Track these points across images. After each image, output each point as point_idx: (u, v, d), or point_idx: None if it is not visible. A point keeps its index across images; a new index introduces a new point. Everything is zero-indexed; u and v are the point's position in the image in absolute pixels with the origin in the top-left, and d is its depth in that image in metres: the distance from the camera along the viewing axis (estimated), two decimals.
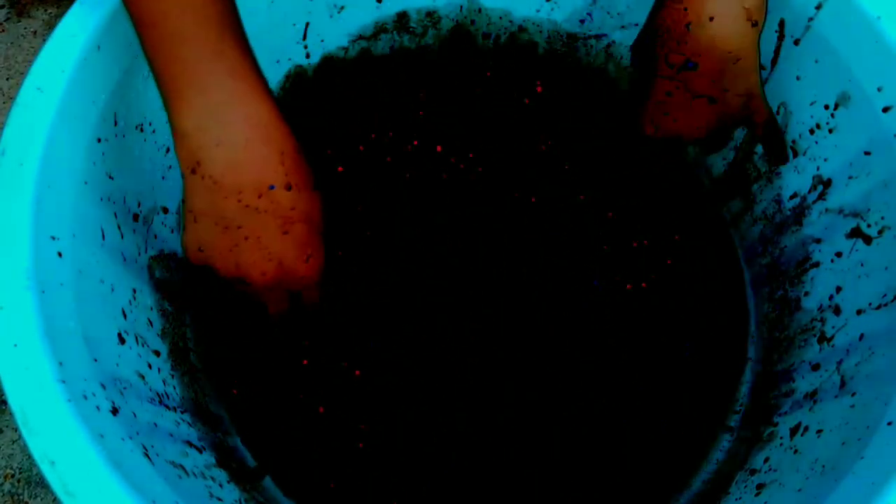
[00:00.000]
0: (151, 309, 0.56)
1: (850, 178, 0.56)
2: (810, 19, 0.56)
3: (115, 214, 0.53)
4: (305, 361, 0.64)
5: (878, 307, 0.53)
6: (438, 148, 0.72)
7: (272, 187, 0.43)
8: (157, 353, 0.55)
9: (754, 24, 0.50)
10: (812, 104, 0.57)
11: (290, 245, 0.46)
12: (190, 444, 0.52)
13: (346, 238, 0.69)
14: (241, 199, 0.43)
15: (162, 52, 0.42)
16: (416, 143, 0.72)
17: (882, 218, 0.54)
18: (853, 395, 0.51)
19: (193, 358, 0.61)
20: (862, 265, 0.55)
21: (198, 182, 0.43)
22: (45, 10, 0.99)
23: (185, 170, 0.43)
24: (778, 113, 0.61)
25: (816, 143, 0.59)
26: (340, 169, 0.71)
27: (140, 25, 0.42)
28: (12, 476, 0.78)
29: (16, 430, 0.79)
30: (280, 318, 0.50)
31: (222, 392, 0.63)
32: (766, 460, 0.55)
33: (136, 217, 0.55)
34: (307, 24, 0.66)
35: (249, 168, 0.42)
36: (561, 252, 0.68)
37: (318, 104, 0.73)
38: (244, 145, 0.42)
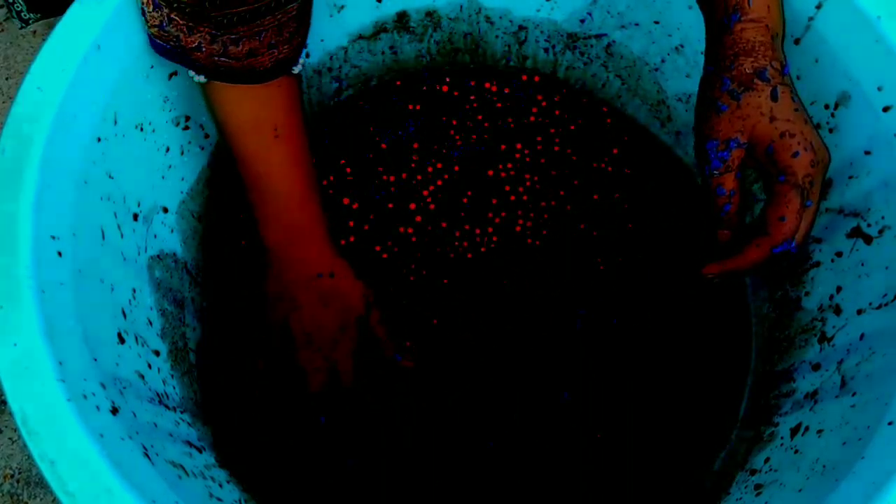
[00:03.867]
0: (151, 309, 0.56)
1: (851, 177, 0.56)
2: (810, 19, 0.56)
3: (115, 214, 0.53)
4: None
5: (879, 307, 0.53)
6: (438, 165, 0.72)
7: (320, 275, 0.61)
8: (157, 353, 0.55)
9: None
10: (812, 104, 0.57)
11: (328, 315, 0.61)
12: (190, 443, 0.52)
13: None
14: (298, 283, 0.61)
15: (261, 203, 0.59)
16: (415, 159, 0.72)
17: (882, 217, 0.54)
18: (854, 394, 0.51)
19: (192, 357, 0.61)
20: (862, 265, 0.55)
21: (272, 275, 0.61)
22: None
23: (267, 266, 0.61)
24: None
25: None
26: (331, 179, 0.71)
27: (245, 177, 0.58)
28: (12, 476, 0.78)
29: (15, 429, 0.79)
30: (317, 391, 0.61)
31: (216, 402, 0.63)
32: (767, 460, 0.55)
33: (135, 217, 0.55)
34: None
35: (304, 267, 0.61)
36: (565, 258, 0.68)
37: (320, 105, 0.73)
38: (303, 258, 0.61)
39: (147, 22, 0.50)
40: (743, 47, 0.51)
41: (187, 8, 0.47)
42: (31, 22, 0.68)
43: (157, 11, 0.48)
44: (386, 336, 0.63)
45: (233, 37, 0.49)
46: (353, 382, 0.61)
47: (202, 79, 0.52)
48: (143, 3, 0.49)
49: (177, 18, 0.48)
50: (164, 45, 0.50)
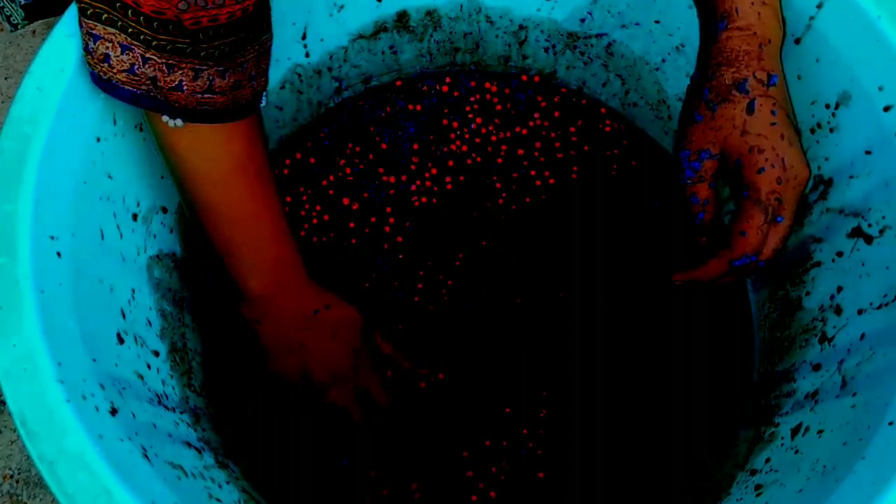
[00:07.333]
0: (150, 309, 0.56)
1: (851, 177, 0.56)
2: (811, 18, 0.55)
3: (114, 214, 0.53)
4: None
5: (879, 307, 0.53)
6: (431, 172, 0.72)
7: (316, 311, 0.60)
8: (157, 354, 0.55)
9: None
10: (813, 103, 0.57)
11: (341, 346, 0.60)
12: (189, 444, 0.52)
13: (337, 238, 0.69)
14: (298, 326, 0.59)
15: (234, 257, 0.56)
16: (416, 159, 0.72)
17: (883, 217, 0.54)
18: (854, 395, 0.51)
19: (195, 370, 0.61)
20: (863, 265, 0.55)
21: (268, 329, 0.59)
22: None
23: (256, 322, 0.59)
24: None
25: (817, 142, 0.58)
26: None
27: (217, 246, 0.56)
28: (11, 476, 0.78)
29: (15, 430, 0.79)
30: (361, 418, 0.61)
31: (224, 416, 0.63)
32: (767, 461, 0.55)
33: (135, 217, 0.55)
34: (307, 24, 0.66)
35: (299, 308, 0.59)
36: (565, 258, 0.68)
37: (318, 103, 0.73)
38: (296, 299, 0.59)
39: (112, 68, 0.45)
40: (726, 57, 0.50)
41: (168, 45, 0.44)
42: (19, 27, 0.68)
43: (127, 54, 0.45)
44: (394, 350, 0.63)
45: (220, 69, 0.46)
46: (388, 400, 0.61)
47: (179, 123, 0.48)
48: (105, 50, 0.45)
49: (154, 58, 0.45)
50: (133, 90, 0.46)
